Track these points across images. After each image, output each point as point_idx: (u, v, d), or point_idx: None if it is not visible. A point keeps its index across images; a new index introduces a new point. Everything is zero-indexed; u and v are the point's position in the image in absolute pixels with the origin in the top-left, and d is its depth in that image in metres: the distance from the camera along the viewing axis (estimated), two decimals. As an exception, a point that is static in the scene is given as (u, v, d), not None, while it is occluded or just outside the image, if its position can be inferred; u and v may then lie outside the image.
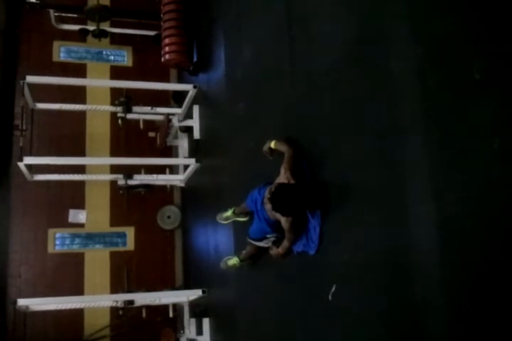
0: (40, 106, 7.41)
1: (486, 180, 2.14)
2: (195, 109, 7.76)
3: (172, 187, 9.02)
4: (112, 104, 7.95)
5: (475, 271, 2.22)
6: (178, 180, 8.35)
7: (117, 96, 7.86)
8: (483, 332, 2.16)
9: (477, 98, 2.20)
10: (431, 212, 2.45)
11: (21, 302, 5.98)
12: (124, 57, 10.14)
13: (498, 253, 2.09)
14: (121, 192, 8.15)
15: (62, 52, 9.82)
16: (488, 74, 2.14)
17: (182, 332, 7.64)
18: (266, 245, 4.34)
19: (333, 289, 3.32)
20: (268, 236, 4.21)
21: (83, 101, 8.73)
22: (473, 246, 2.22)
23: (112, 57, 10.27)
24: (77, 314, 8.08)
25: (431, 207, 2.45)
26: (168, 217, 9.24)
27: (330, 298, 3.33)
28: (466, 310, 2.27)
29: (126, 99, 7.64)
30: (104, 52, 10.19)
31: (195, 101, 7.67)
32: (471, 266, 2.23)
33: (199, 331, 7.17)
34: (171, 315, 7.36)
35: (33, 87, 6.90)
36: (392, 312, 2.79)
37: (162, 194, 9.06)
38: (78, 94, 8.84)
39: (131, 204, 8.40)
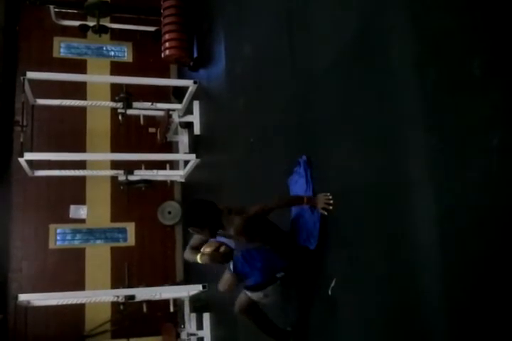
0: (41, 102, 7.43)
1: (486, 176, 2.15)
2: (196, 104, 7.77)
3: (172, 182, 9.05)
4: (112, 99, 7.97)
5: (474, 268, 2.23)
6: (178, 175, 8.38)
7: (117, 91, 7.88)
8: (483, 328, 2.18)
9: (477, 94, 2.21)
10: (430, 208, 2.46)
11: (22, 297, 6.01)
12: (124, 53, 10.15)
13: (498, 249, 2.10)
14: (121, 187, 8.19)
15: (62, 48, 9.84)
16: (487, 70, 2.15)
17: (182, 326, 7.67)
18: (264, 299, 3.71)
19: (333, 284, 3.34)
20: (278, 275, 3.63)
21: (83, 97, 8.75)
22: (473, 243, 2.23)
23: (112, 53, 10.29)
24: (79, 309, 8.12)
25: (430, 203, 2.46)
26: (169, 213, 9.26)
27: (330, 292, 3.35)
28: (465, 307, 2.29)
29: (126, 95, 7.66)
30: (104, 48, 10.21)
31: (195, 96, 7.69)
32: (471, 263, 2.24)
33: (199, 325, 7.20)
34: (171, 309, 7.39)
35: (33, 82, 6.91)
36: (391, 308, 2.81)
37: (162, 189, 9.09)
38: (78, 90, 8.86)
39: (132, 199, 8.45)
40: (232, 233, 3.47)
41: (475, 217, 2.22)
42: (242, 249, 3.69)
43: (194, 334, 7.22)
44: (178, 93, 8.98)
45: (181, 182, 8.82)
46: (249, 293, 3.68)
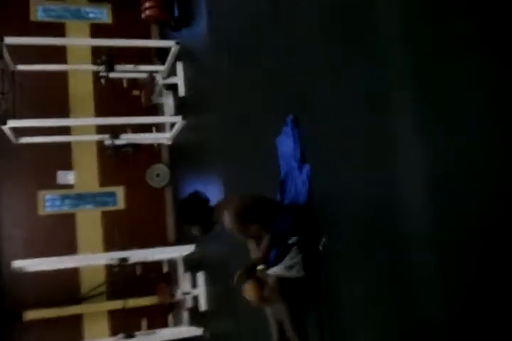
0: (21, 67, 7.31)
1: (474, 136, 2.17)
2: (179, 65, 7.67)
3: (159, 145, 9.03)
4: (94, 63, 7.85)
5: (466, 236, 2.27)
6: (165, 138, 8.36)
7: (99, 55, 7.75)
8: (479, 319, 2.23)
9: (465, 53, 2.22)
10: (420, 170, 2.50)
11: (16, 264, 6.06)
12: (104, 15, 9.91)
13: (490, 215, 2.15)
14: (108, 151, 8.16)
15: (39, 11, 9.57)
16: (476, 29, 2.14)
17: (177, 286, 7.80)
18: (290, 272, 3.56)
19: (324, 240, 3.40)
20: (290, 241, 3.58)
21: (64, 62, 8.60)
22: (464, 204, 2.27)
23: (92, 15, 10.03)
24: (73, 272, 8.20)
25: (420, 166, 2.50)
26: (157, 175, 9.27)
27: (320, 248, 3.42)
28: (461, 296, 2.34)
29: (107, 58, 7.54)
30: (82, 10, 9.95)
31: (178, 57, 7.58)
32: (462, 229, 2.28)
33: (194, 284, 7.32)
34: (164, 270, 7.50)
35: (12, 48, 6.77)
36: (382, 289, 2.88)
37: (150, 152, 9.08)
38: (59, 54, 8.68)
39: (120, 163, 8.44)
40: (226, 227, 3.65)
41: (465, 178, 2.24)
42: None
43: (189, 293, 7.35)
44: (161, 54, 8.83)
45: (168, 145, 8.80)
46: (272, 272, 3.55)
